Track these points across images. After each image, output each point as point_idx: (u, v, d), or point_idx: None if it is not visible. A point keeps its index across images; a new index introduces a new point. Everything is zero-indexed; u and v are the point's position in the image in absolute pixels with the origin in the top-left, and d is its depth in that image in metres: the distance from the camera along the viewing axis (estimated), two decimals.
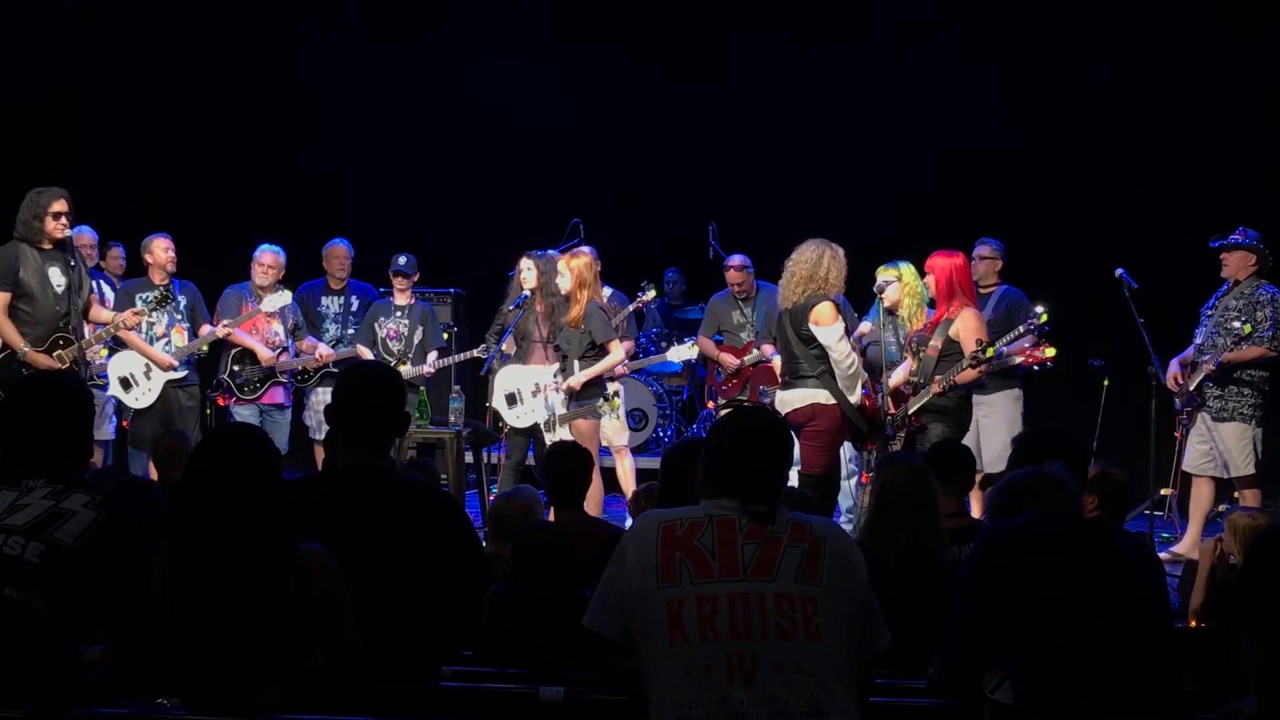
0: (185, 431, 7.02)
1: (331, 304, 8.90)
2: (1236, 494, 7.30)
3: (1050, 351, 7.03)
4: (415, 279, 8.69)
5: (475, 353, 8.32)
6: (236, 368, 8.23)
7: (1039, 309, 7.26)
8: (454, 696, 3.19)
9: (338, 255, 8.91)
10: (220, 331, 7.97)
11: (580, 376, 7.38)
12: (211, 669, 2.86)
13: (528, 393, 7.88)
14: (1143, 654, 3.06)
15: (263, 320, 8.28)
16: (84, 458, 3.35)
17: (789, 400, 6.73)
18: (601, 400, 7.43)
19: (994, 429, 7.77)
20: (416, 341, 8.49)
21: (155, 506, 4.32)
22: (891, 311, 7.24)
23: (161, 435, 6.76)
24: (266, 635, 2.87)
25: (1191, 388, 7.31)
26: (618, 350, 7.51)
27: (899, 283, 7.19)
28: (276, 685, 2.85)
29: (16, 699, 2.74)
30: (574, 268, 7.55)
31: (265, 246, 8.47)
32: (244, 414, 8.14)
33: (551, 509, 4.97)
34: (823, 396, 6.64)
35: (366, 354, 8.42)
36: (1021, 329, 7.02)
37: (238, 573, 2.87)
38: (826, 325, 6.58)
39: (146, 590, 2.94)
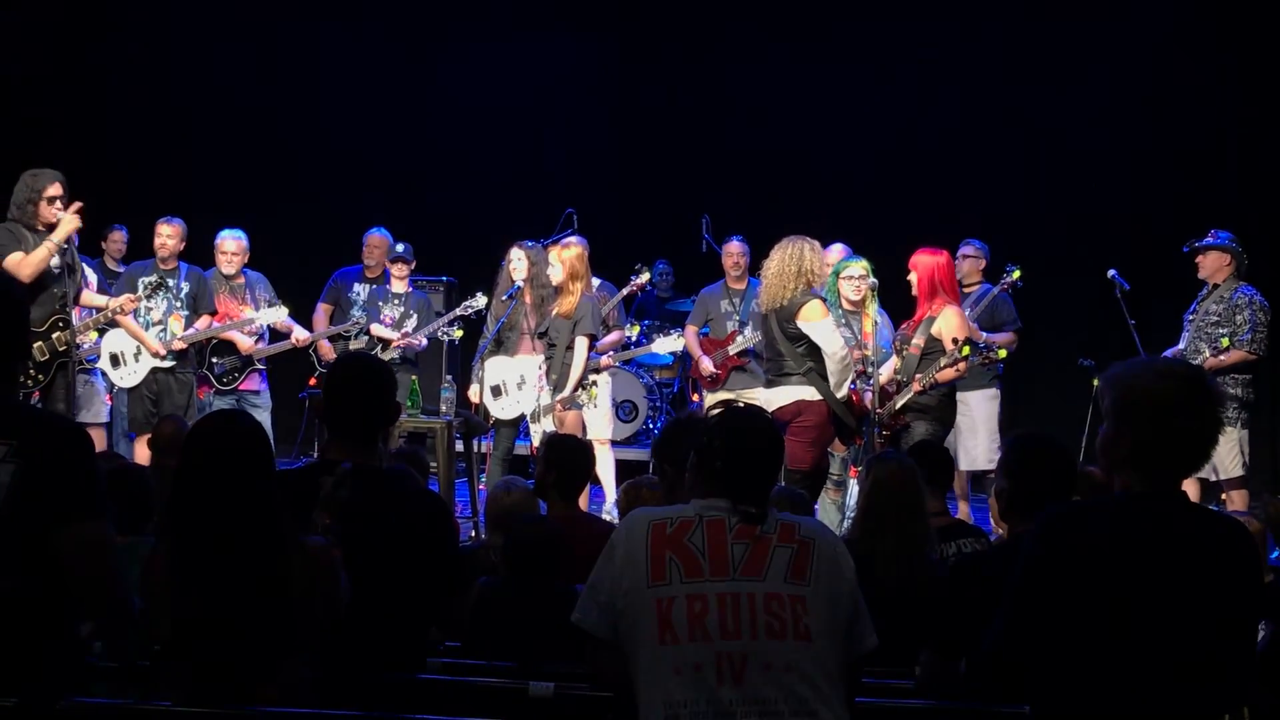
0: (183, 418, 7.02)
1: (363, 291, 8.88)
2: (1224, 495, 7.32)
3: (1002, 353, 7.16)
4: (412, 266, 8.70)
5: (454, 315, 8.38)
6: (215, 359, 8.24)
7: (1011, 267, 7.89)
8: (443, 690, 3.19)
9: (375, 243, 8.93)
10: (203, 327, 7.97)
11: (568, 392, 7.50)
12: (215, 665, 2.85)
13: (513, 384, 7.90)
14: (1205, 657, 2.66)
15: (236, 307, 8.27)
16: (10, 371, 2.98)
17: (774, 398, 6.76)
18: (580, 390, 7.48)
19: (971, 428, 7.84)
20: (410, 329, 8.50)
21: (146, 492, 4.34)
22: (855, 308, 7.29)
23: (161, 421, 6.73)
24: (270, 629, 2.86)
25: None
26: (581, 346, 7.58)
27: (864, 279, 7.26)
28: (279, 679, 2.85)
29: (9, 687, 2.67)
30: (565, 259, 7.63)
31: (226, 232, 8.42)
32: (221, 404, 8.14)
33: (546, 501, 4.96)
34: (808, 393, 6.67)
35: (383, 331, 8.47)
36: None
37: (241, 567, 2.85)
38: (817, 320, 6.62)
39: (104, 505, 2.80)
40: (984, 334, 7.61)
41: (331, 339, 8.77)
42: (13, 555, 2.69)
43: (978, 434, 7.93)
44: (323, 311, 8.87)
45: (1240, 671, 2.72)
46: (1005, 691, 2.90)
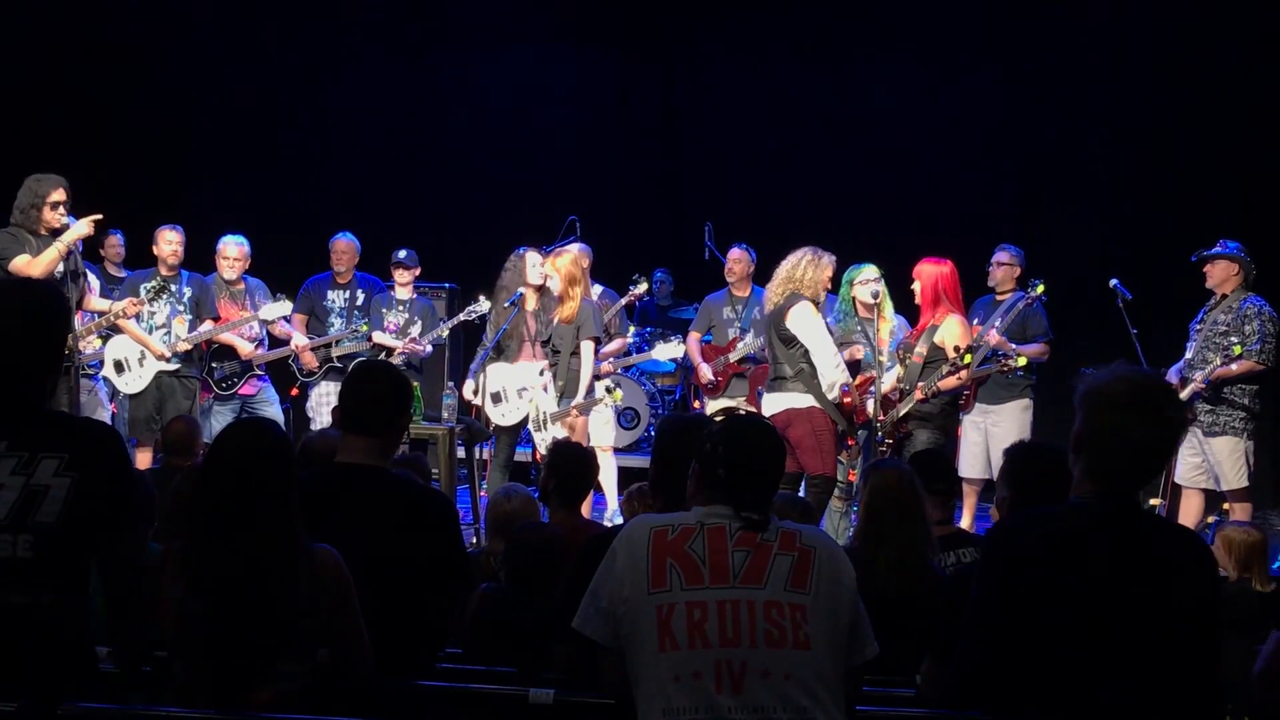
0: (194, 418, 7.03)
1: (337, 297, 8.86)
2: (1227, 506, 7.30)
3: (1022, 360, 7.21)
4: (417, 272, 8.72)
5: (459, 320, 8.43)
6: (215, 364, 8.25)
7: (1035, 282, 7.58)
8: (444, 696, 3.19)
9: (342, 249, 8.88)
10: (204, 332, 7.98)
11: (581, 397, 7.52)
12: (214, 665, 2.87)
13: (513, 391, 7.91)
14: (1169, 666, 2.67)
15: (237, 312, 8.28)
16: (46, 383, 2.97)
17: (768, 405, 6.82)
18: (604, 391, 7.52)
19: (1003, 438, 7.78)
20: (415, 334, 8.51)
21: (148, 495, 4.34)
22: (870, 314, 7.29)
23: (172, 420, 6.73)
24: (272, 634, 2.87)
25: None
26: (588, 350, 7.61)
27: (877, 282, 7.26)
28: (275, 683, 2.86)
29: (16, 691, 2.68)
30: (560, 267, 7.64)
31: (229, 237, 8.42)
32: (221, 409, 8.19)
33: (547, 508, 4.96)
34: (797, 400, 6.69)
35: (385, 339, 8.50)
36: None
37: (252, 571, 2.87)
38: (806, 319, 6.64)
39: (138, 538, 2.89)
40: (1013, 345, 7.60)
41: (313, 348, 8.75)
42: (62, 570, 2.76)
43: (1009, 445, 7.88)
44: (298, 322, 8.76)
45: (1203, 686, 2.69)
46: (987, 708, 2.83)
